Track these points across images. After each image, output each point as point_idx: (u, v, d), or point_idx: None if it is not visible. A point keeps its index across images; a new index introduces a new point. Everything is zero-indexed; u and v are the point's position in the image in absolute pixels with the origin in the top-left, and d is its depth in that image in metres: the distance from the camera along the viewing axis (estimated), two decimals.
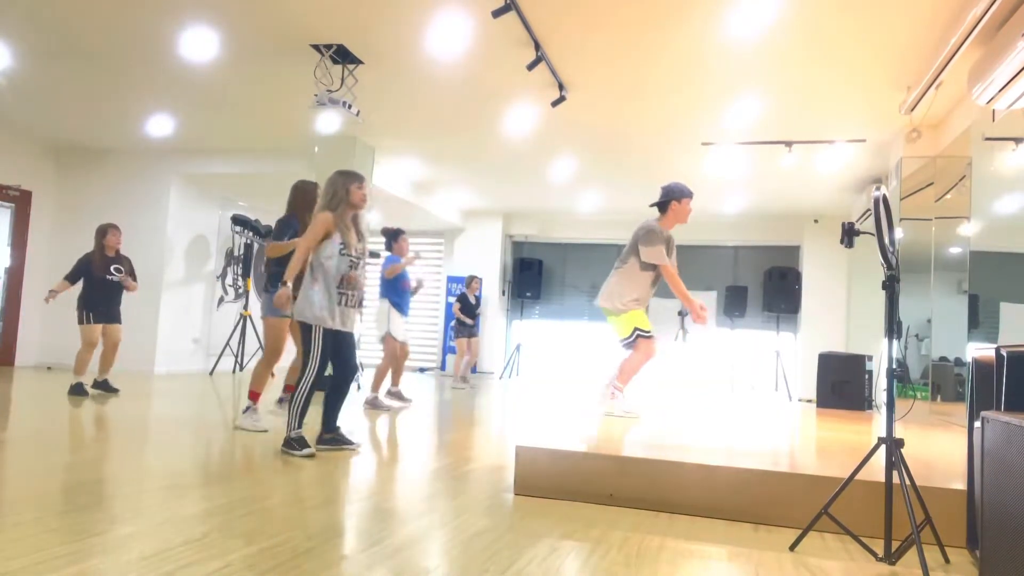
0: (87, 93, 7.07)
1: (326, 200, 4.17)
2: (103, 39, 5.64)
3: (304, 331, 4.11)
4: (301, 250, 4.10)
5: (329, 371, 4.23)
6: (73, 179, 9.56)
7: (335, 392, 4.33)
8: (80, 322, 6.48)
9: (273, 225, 5.28)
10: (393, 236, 6.88)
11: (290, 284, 4.11)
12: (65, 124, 8.39)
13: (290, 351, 5.30)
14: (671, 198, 4.94)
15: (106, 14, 5.17)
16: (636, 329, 4.78)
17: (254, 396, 5.00)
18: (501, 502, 3.18)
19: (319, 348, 4.06)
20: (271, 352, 5.07)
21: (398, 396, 6.93)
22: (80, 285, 6.55)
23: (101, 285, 6.54)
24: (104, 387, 6.65)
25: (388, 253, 6.87)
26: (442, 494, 3.30)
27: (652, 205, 5.07)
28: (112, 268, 6.59)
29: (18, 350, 9.15)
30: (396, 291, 6.69)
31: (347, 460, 3.99)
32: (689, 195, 4.98)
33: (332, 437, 4.29)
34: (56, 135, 8.95)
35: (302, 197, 5.14)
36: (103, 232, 6.62)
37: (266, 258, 5.20)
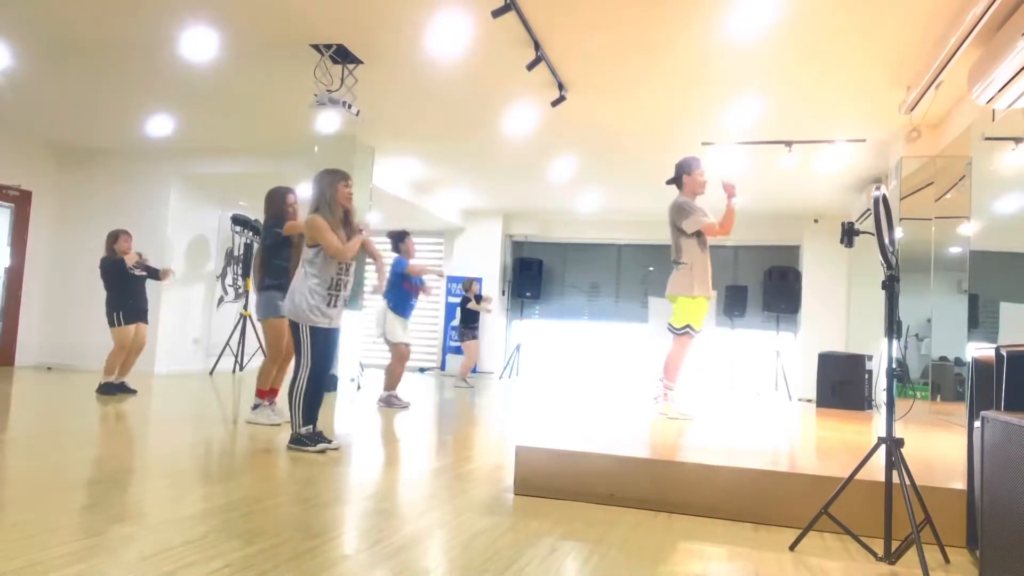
0: (87, 93, 7.07)
1: (314, 203, 4.20)
2: (103, 39, 5.63)
3: (293, 329, 4.15)
4: (331, 249, 4.08)
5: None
6: (73, 179, 9.54)
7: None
8: (112, 325, 6.53)
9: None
10: (399, 238, 6.83)
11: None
12: (65, 124, 8.39)
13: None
14: (683, 172, 5.04)
15: (106, 14, 5.17)
16: (688, 326, 4.85)
17: (261, 394, 5.15)
18: (501, 502, 3.18)
19: (309, 345, 4.10)
20: (272, 351, 5.18)
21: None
22: (103, 290, 6.59)
23: (129, 283, 6.59)
24: (122, 389, 6.65)
25: (396, 255, 6.83)
26: (442, 494, 3.30)
27: (668, 183, 5.12)
28: (133, 265, 6.66)
29: (18, 350, 9.13)
30: (400, 293, 6.62)
31: (347, 460, 3.99)
32: (699, 165, 5.06)
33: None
34: (56, 135, 8.95)
35: (268, 203, 5.28)
36: (114, 238, 6.68)
37: (258, 258, 5.29)
